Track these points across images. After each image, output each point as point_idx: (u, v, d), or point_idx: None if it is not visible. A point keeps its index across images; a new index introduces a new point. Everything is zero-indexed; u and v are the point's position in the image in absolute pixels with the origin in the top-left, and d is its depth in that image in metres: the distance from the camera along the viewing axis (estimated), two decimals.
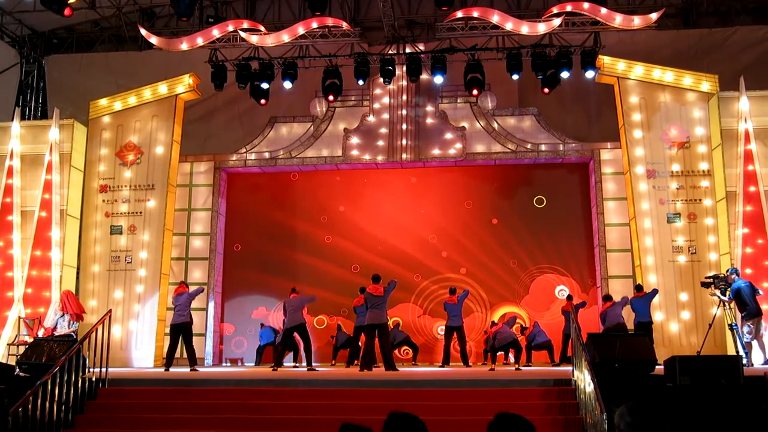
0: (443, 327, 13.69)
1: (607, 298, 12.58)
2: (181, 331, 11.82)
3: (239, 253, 15.78)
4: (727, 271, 11.17)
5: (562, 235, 15.16)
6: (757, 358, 10.74)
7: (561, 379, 8.42)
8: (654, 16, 13.84)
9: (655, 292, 12.37)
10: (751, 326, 10.70)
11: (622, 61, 14.12)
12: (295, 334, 12.29)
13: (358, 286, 13.66)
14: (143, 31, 15.22)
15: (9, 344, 12.83)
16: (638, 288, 12.57)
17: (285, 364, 12.78)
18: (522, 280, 15.08)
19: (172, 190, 14.65)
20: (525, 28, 14.01)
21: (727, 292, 10.94)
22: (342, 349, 14.30)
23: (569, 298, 13.83)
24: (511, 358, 13.18)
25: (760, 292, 11.08)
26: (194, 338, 12.22)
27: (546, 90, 14.82)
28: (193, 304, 12.21)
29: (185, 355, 12.31)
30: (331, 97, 15.05)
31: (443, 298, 13.60)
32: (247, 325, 15.51)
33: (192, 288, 12.49)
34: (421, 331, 15.18)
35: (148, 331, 13.80)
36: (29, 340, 12.30)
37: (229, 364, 15.41)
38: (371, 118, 15.67)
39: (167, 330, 12.87)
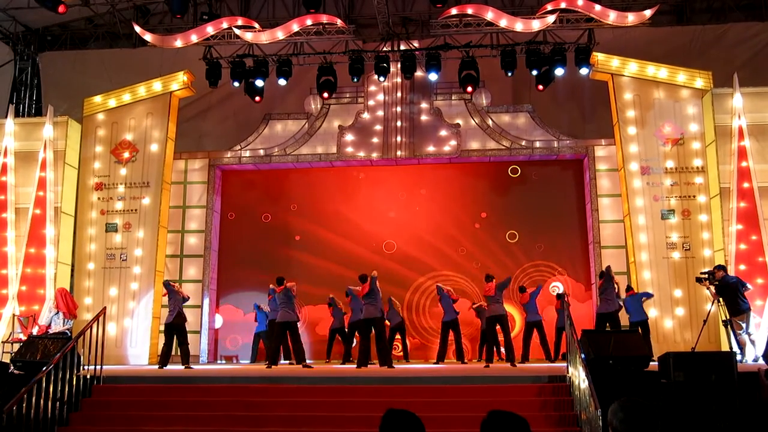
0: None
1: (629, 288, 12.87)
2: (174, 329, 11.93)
3: (235, 250, 15.76)
4: (715, 267, 11.19)
5: (557, 231, 15.18)
6: (750, 354, 10.76)
7: (555, 375, 8.46)
8: (648, 12, 13.88)
9: (643, 295, 12.60)
10: (741, 323, 10.71)
11: (616, 58, 14.15)
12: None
13: (352, 282, 13.59)
14: (137, 28, 15.19)
15: (3, 342, 12.79)
16: (629, 288, 12.79)
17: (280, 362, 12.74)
18: (516, 276, 15.07)
19: (166, 187, 14.62)
20: (519, 25, 14.04)
21: (712, 288, 10.95)
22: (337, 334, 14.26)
23: (559, 297, 13.80)
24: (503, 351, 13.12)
25: (750, 287, 11.10)
26: (189, 335, 12.23)
27: (540, 87, 14.86)
28: (188, 301, 12.33)
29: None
30: (325, 95, 15.02)
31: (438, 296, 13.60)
32: (242, 322, 15.50)
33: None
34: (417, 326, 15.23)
35: (142, 329, 13.77)
36: (24, 337, 12.27)
37: (224, 362, 15.40)
38: (366, 115, 15.66)
39: (162, 327, 12.89)
